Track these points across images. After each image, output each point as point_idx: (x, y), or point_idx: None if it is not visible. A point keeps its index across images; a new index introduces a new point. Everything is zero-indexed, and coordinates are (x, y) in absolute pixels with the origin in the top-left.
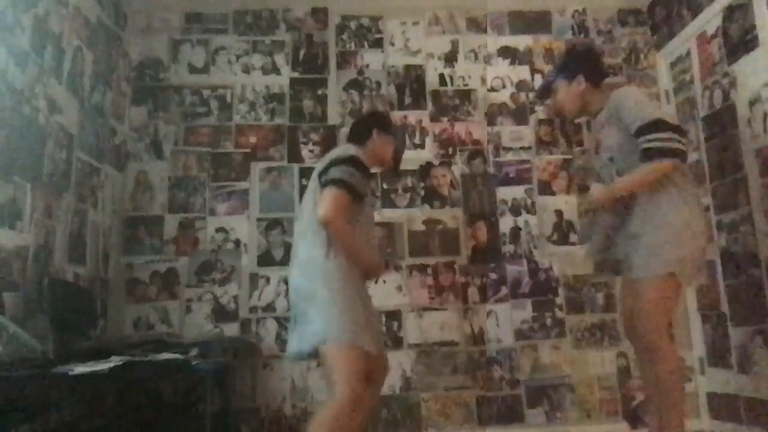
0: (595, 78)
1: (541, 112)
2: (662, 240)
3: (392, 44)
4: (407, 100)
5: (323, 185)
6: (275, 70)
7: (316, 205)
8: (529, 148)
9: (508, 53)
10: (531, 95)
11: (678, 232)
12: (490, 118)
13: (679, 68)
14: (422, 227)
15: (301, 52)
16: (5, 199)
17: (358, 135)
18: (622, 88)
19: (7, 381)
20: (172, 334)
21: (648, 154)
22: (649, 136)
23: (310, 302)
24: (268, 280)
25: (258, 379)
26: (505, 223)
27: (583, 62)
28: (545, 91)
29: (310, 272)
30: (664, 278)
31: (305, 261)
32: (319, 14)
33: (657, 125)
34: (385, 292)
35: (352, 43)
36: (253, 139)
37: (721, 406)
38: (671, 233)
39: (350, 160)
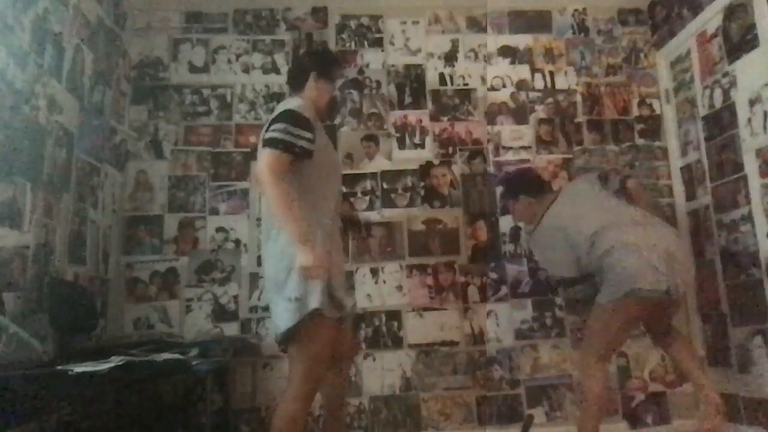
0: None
1: (541, 111)
2: None
3: (392, 43)
4: (407, 100)
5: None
6: (275, 69)
7: None
8: (529, 147)
9: (508, 53)
10: (531, 95)
11: None
12: (490, 118)
13: (679, 68)
14: (422, 227)
15: (301, 52)
16: (5, 199)
17: (295, 80)
18: None
19: (7, 381)
20: (172, 334)
21: None
22: None
23: None
24: None
25: (258, 379)
26: (505, 223)
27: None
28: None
29: None
30: None
31: None
32: (319, 13)
33: None
34: (385, 292)
35: (352, 43)
36: (253, 139)
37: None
38: None
39: (284, 115)
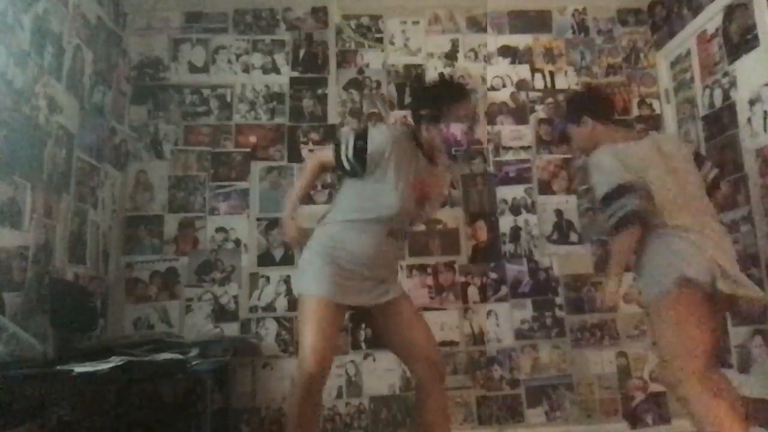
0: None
1: (541, 111)
2: None
3: (392, 43)
4: (407, 100)
5: None
6: (275, 69)
7: None
8: (529, 147)
9: (508, 52)
10: (531, 95)
11: None
12: (490, 118)
13: (679, 68)
14: (422, 227)
15: (301, 52)
16: (5, 199)
17: (414, 120)
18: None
19: (7, 381)
20: (172, 334)
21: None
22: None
23: None
24: (268, 279)
25: (258, 379)
26: (505, 223)
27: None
28: (561, 139)
29: None
30: None
31: None
32: (319, 13)
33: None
34: None
35: (352, 43)
36: (253, 139)
37: None
38: None
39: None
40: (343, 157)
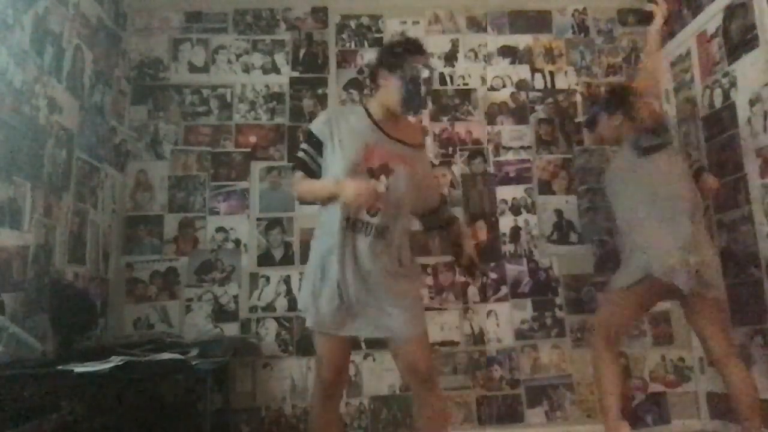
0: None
1: (541, 111)
2: None
3: None
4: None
5: None
6: (275, 69)
7: None
8: (529, 147)
9: (508, 52)
10: (531, 95)
11: None
12: (490, 118)
13: (679, 68)
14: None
15: (301, 52)
16: (5, 199)
17: (372, 80)
18: None
19: (8, 381)
20: (172, 334)
21: None
22: None
23: None
24: (268, 280)
25: (258, 379)
26: (505, 223)
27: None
28: (590, 123)
29: None
30: None
31: None
32: (319, 13)
33: None
34: None
35: (352, 42)
36: (253, 139)
37: (721, 406)
38: None
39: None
40: (311, 165)
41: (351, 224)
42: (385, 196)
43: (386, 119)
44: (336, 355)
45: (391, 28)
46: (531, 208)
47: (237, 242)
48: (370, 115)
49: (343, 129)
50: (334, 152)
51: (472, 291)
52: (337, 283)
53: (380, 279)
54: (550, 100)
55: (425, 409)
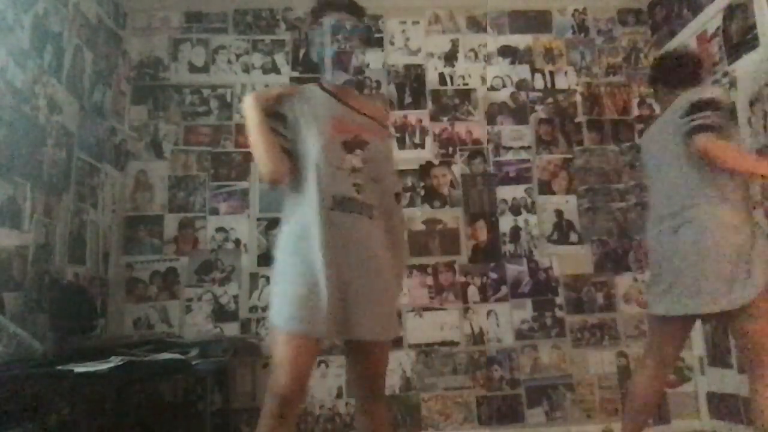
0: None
1: (541, 111)
2: None
3: (392, 43)
4: (407, 100)
5: None
6: (275, 69)
7: None
8: (529, 147)
9: (508, 52)
10: (531, 95)
11: None
12: (490, 118)
13: None
14: (422, 227)
15: (301, 52)
16: (5, 199)
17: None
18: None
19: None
20: (172, 334)
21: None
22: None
23: None
24: (268, 280)
25: (258, 379)
26: (505, 223)
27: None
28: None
29: None
30: None
31: None
32: None
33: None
34: None
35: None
36: None
37: (721, 405)
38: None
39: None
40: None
41: (333, 203)
42: (363, 172)
43: (343, 93)
44: (306, 362)
45: (391, 28)
46: (531, 208)
47: (237, 242)
48: (324, 89)
49: (304, 102)
50: (304, 127)
51: (472, 291)
52: (327, 277)
53: (368, 268)
54: (550, 100)
55: (377, 417)
